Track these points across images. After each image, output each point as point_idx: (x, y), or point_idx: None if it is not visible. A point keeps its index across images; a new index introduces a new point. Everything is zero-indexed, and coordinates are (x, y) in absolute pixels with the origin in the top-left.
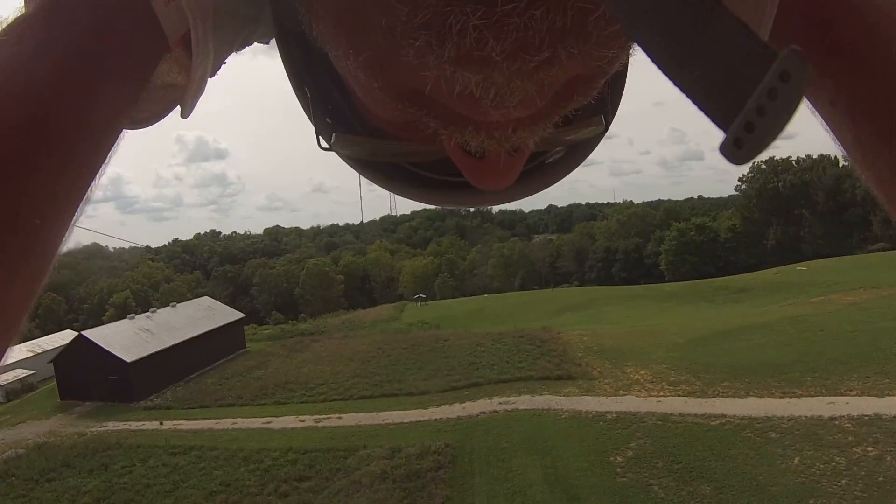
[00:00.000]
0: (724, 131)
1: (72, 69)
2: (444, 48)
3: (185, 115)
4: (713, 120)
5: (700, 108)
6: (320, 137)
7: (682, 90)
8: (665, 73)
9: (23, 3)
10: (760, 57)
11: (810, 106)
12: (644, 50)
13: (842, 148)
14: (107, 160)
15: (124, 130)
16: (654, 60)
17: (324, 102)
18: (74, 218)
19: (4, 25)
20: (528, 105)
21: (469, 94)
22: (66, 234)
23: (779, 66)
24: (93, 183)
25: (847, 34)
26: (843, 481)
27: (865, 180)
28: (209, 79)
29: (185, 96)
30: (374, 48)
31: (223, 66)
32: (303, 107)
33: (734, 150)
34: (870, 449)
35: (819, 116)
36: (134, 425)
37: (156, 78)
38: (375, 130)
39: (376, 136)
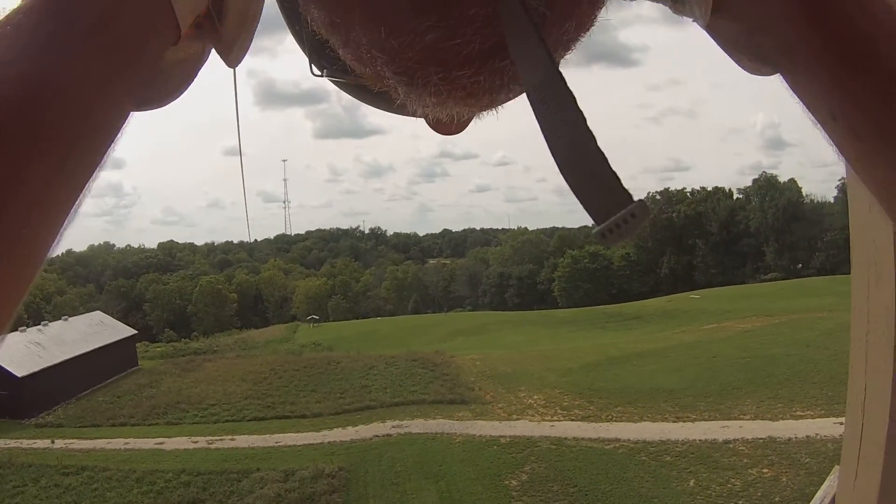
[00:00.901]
0: (597, 224)
1: (72, 55)
2: (409, 90)
3: (232, 63)
4: (591, 216)
5: (582, 205)
6: (312, 66)
7: (572, 190)
8: (562, 174)
9: None
10: (623, 198)
11: (812, 119)
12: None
13: (845, 162)
14: (109, 150)
15: (132, 114)
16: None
17: (313, 42)
18: (70, 215)
19: (6, 13)
20: (478, 112)
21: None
22: (59, 236)
23: (629, 210)
24: (96, 171)
25: (847, 47)
26: (740, 502)
27: (872, 193)
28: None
29: (228, 36)
30: (360, 59)
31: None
32: (294, 38)
33: (600, 238)
34: (765, 470)
35: (821, 130)
36: (25, 443)
37: (167, 56)
38: (356, 77)
39: (357, 83)
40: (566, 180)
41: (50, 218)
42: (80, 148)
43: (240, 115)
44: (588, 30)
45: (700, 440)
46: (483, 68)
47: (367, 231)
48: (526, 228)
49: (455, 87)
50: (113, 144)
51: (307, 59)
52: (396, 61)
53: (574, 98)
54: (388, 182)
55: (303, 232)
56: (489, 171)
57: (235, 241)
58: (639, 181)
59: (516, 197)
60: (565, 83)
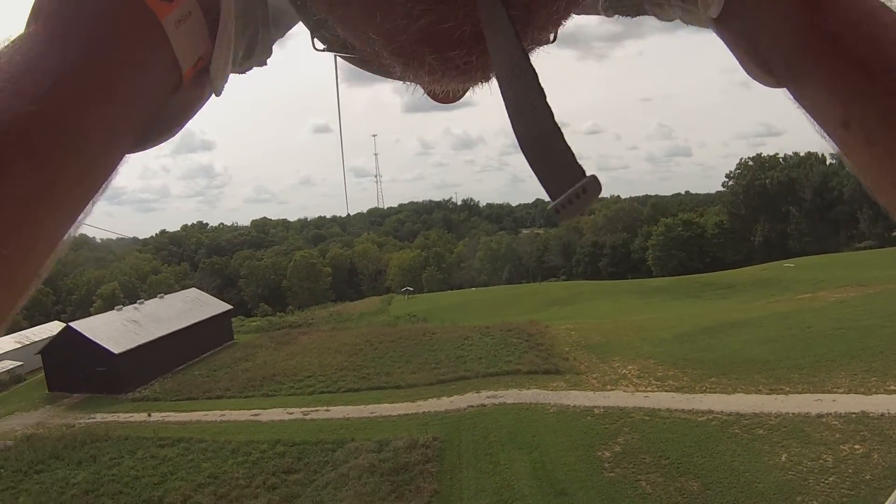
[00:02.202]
0: (552, 201)
1: (68, 88)
2: (406, 70)
3: (217, 91)
4: (548, 194)
5: (540, 183)
6: (315, 40)
7: (530, 166)
8: (522, 150)
9: (26, 22)
10: (577, 174)
11: (820, 131)
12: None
13: (857, 170)
14: (103, 186)
15: (127, 155)
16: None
17: (316, 18)
18: (59, 244)
19: (7, 43)
20: (472, 86)
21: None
22: (46, 263)
23: (581, 185)
24: (88, 204)
25: (855, 52)
26: (831, 479)
27: (885, 202)
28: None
29: (212, 69)
30: (357, 38)
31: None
32: (297, 12)
33: (555, 215)
34: (857, 447)
35: (830, 141)
36: (122, 417)
37: (169, 98)
38: (357, 52)
39: (359, 56)
40: (525, 157)
41: (35, 243)
42: (72, 178)
43: (329, 93)
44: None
45: (793, 413)
46: (475, 49)
47: (459, 203)
48: (619, 197)
49: (449, 67)
50: (108, 181)
51: (310, 34)
52: (392, 43)
53: (536, 75)
54: (479, 153)
55: (395, 205)
56: (579, 140)
57: (328, 217)
58: (731, 147)
59: (608, 165)
60: (529, 62)
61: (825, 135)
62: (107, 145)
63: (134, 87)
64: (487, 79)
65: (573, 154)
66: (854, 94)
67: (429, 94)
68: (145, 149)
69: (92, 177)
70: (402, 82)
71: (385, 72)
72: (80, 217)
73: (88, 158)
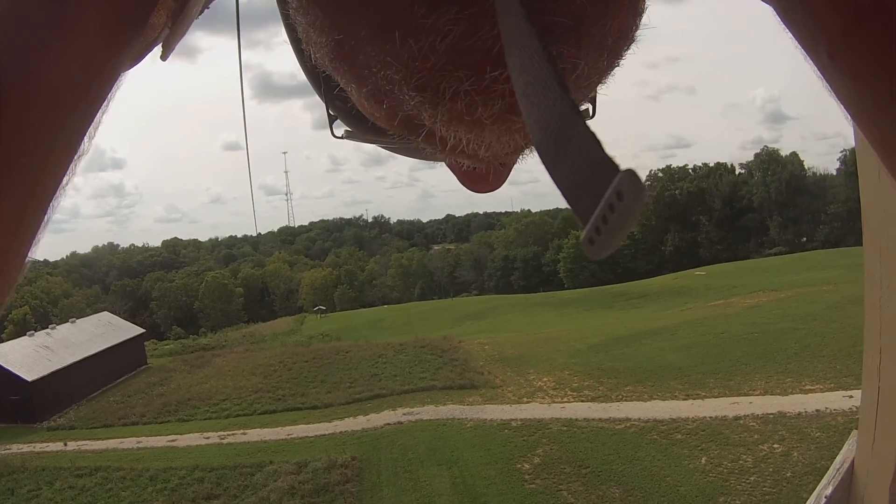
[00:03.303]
0: (583, 226)
1: (55, 19)
2: (436, 110)
3: (165, 56)
4: (577, 217)
5: (567, 202)
6: (333, 127)
7: (557, 185)
8: (539, 154)
9: None
10: (606, 170)
11: (805, 56)
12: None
13: (838, 101)
14: (101, 110)
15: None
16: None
17: (333, 97)
18: (64, 180)
19: None
20: (516, 150)
21: (462, 147)
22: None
23: (615, 187)
24: (86, 133)
25: None
26: (752, 478)
27: (866, 135)
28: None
29: (172, 35)
30: (373, 88)
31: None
32: (316, 92)
33: (589, 247)
34: (776, 446)
35: (815, 68)
36: (38, 447)
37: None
38: (378, 129)
39: (379, 135)
40: (541, 158)
41: (49, 171)
42: (78, 108)
43: (240, 109)
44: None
45: (710, 417)
46: None
47: (370, 220)
48: (529, 211)
49: (490, 96)
50: (107, 102)
51: (328, 122)
52: (416, 73)
53: (551, 56)
54: (389, 170)
55: (306, 223)
56: None
57: (239, 236)
58: (641, 159)
59: (518, 179)
60: (541, 44)
61: (808, 60)
62: (101, 73)
63: (123, 7)
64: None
65: (600, 144)
66: (843, 28)
67: (462, 178)
68: (136, 62)
69: (91, 105)
70: (433, 162)
71: (414, 144)
72: (86, 135)
73: (84, 90)
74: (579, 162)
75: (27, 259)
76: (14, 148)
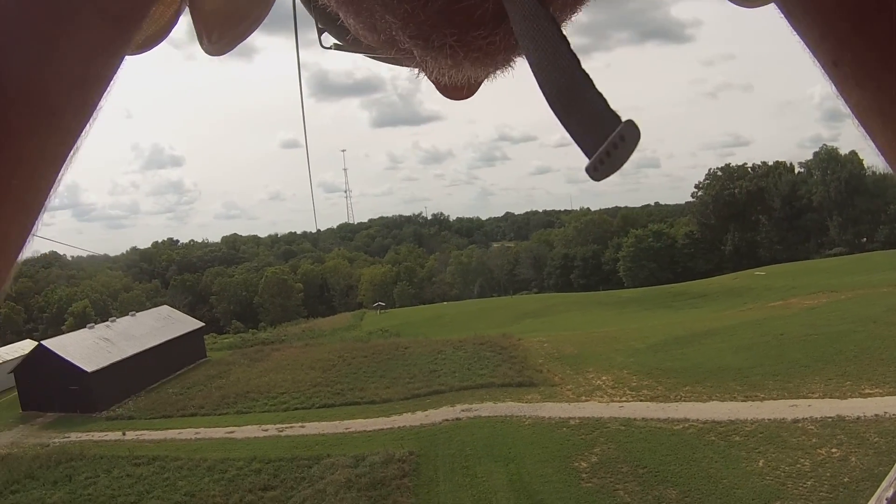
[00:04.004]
0: (589, 158)
1: (56, 14)
2: (425, 52)
3: (209, 48)
4: (583, 151)
5: (574, 141)
6: (321, 39)
7: (563, 125)
8: (552, 109)
9: None
10: (612, 121)
11: (812, 59)
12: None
13: (846, 106)
14: (101, 99)
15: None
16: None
17: (324, 15)
18: (69, 156)
19: None
20: (490, 75)
21: (444, 74)
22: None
23: (620, 131)
24: (82, 130)
25: None
26: (809, 483)
27: (874, 143)
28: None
29: (209, 14)
30: (371, 24)
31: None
32: (307, 8)
33: (593, 173)
34: (834, 450)
35: (822, 71)
36: (97, 436)
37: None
38: (367, 46)
39: (367, 50)
40: (555, 114)
41: (44, 165)
42: (79, 93)
43: (297, 107)
44: None
45: (769, 419)
46: (497, 29)
47: (429, 217)
48: (588, 209)
49: (471, 49)
50: (105, 88)
51: (316, 32)
52: (411, 25)
53: (556, 22)
54: (448, 167)
55: (365, 220)
56: (548, 153)
57: (299, 232)
58: (699, 157)
59: (577, 178)
60: (547, 10)
61: (817, 65)
62: (101, 61)
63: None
64: (510, 63)
65: (605, 100)
66: (846, 34)
67: (440, 89)
68: (140, 52)
69: (97, 89)
70: (416, 70)
71: (400, 60)
72: (91, 116)
73: (82, 83)
74: (589, 114)
75: (16, 261)
76: (10, 154)
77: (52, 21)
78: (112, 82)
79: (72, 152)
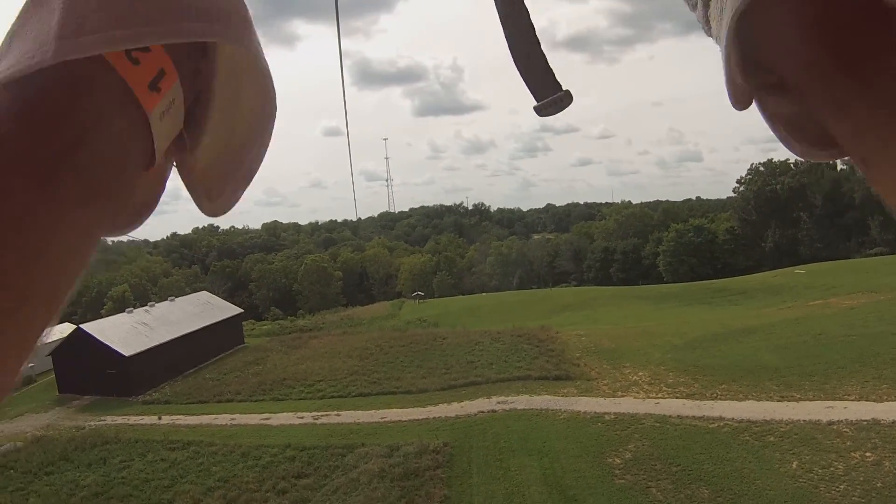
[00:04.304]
0: (537, 101)
1: (46, 174)
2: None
3: (209, 210)
4: (532, 94)
5: (526, 85)
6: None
7: (519, 70)
8: (514, 61)
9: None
10: (556, 87)
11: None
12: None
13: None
14: (81, 272)
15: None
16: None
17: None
18: (41, 336)
19: None
20: None
21: None
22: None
23: (560, 96)
24: (64, 296)
25: (852, 74)
26: (842, 486)
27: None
28: None
29: (202, 173)
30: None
31: None
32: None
33: (538, 113)
34: (868, 454)
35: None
36: (132, 419)
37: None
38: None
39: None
40: (517, 68)
41: (8, 341)
42: (46, 275)
43: (339, 94)
44: None
45: (804, 420)
46: None
47: (470, 207)
48: (629, 202)
49: None
50: (83, 269)
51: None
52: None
53: (528, 12)
54: (489, 158)
55: (406, 209)
56: (590, 145)
57: (339, 220)
58: (741, 152)
59: (619, 170)
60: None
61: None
62: (82, 232)
63: (111, 168)
64: None
65: (554, 74)
66: (848, 120)
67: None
68: (118, 234)
69: (69, 267)
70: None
71: None
72: (61, 304)
73: (64, 247)
74: (542, 70)
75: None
76: None
77: (32, 201)
78: (88, 257)
79: (35, 345)
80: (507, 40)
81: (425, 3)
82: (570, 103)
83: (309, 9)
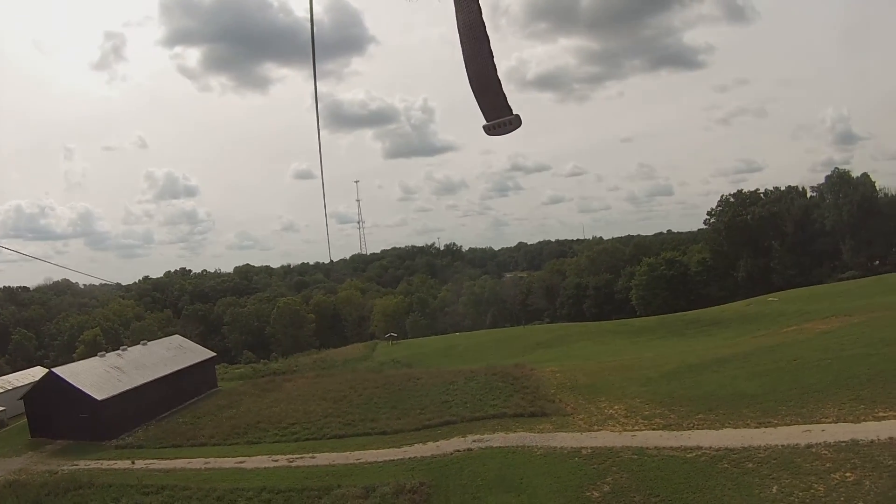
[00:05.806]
0: (487, 121)
1: None
2: None
3: None
4: (483, 115)
5: (479, 106)
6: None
7: (474, 94)
8: (469, 82)
9: None
10: (506, 108)
11: None
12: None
13: None
14: None
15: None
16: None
17: None
18: None
19: None
20: None
21: None
22: None
23: (509, 119)
24: None
25: None
26: None
27: None
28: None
29: None
30: None
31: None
32: None
33: (487, 132)
34: (848, 474)
35: None
36: (105, 464)
37: None
38: None
39: None
40: (471, 87)
41: None
42: None
43: (310, 137)
44: None
45: (782, 445)
46: None
47: (442, 248)
48: (601, 238)
49: None
50: None
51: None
52: None
53: (488, 39)
54: (461, 198)
55: (378, 251)
56: (561, 182)
57: (311, 263)
58: (712, 184)
59: (590, 207)
60: (484, 27)
61: None
62: None
63: None
64: None
65: (506, 97)
66: None
67: None
68: None
69: None
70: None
71: None
72: None
73: None
74: (494, 94)
75: None
76: None
77: None
78: None
79: None
80: (464, 61)
81: (397, 45)
82: (518, 126)
83: (281, 52)
